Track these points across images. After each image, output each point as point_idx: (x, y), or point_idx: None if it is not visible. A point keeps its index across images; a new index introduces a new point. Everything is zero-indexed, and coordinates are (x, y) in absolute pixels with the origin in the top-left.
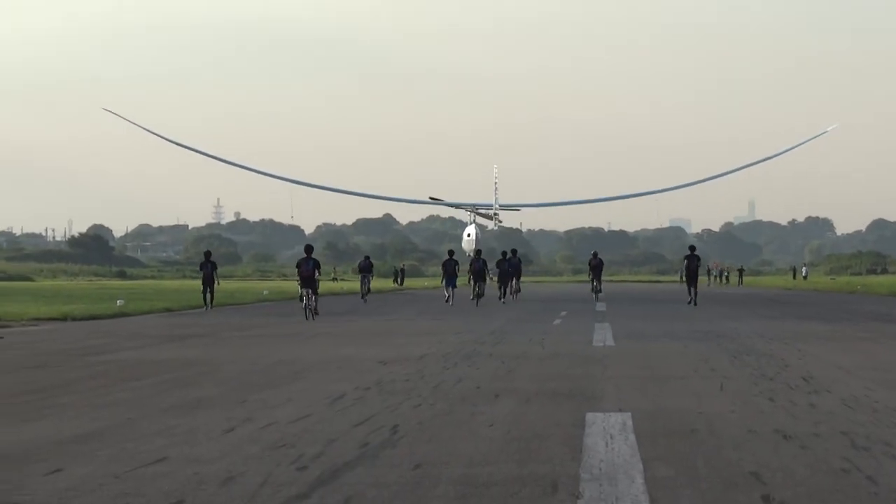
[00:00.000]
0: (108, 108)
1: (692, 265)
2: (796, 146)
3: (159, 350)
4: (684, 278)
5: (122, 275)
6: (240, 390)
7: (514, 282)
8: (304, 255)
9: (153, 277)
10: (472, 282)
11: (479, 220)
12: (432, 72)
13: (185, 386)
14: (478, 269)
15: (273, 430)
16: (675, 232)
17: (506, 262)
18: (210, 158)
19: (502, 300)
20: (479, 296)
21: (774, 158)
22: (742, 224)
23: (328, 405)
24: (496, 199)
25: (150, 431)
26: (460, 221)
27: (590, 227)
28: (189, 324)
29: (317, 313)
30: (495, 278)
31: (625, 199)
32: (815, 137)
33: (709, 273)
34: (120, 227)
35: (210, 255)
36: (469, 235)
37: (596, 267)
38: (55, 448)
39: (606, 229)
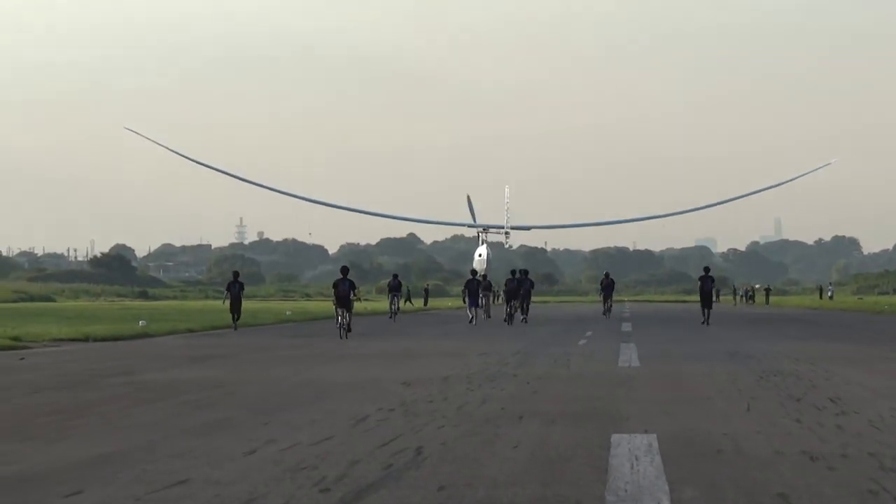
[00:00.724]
0: (130, 126)
1: (706, 286)
2: (802, 175)
3: (181, 371)
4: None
5: (144, 295)
6: (262, 412)
7: (523, 305)
8: (341, 276)
9: (176, 298)
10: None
11: (495, 237)
12: (462, 88)
13: (207, 407)
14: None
15: (295, 452)
16: (701, 251)
17: (513, 282)
18: (233, 178)
19: (506, 321)
20: (487, 315)
21: (799, 179)
22: (768, 243)
23: (351, 427)
24: (507, 219)
25: (171, 453)
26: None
27: (615, 247)
28: (212, 345)
29: (349, 330)
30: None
31: (641, 221)
32: (818, 169)
33: (734, 292)
34: (142, 246)
35: (238, 276)
36: (480, 255)
37: (608, 287)
38: (76, 470)
39: (632, 248)
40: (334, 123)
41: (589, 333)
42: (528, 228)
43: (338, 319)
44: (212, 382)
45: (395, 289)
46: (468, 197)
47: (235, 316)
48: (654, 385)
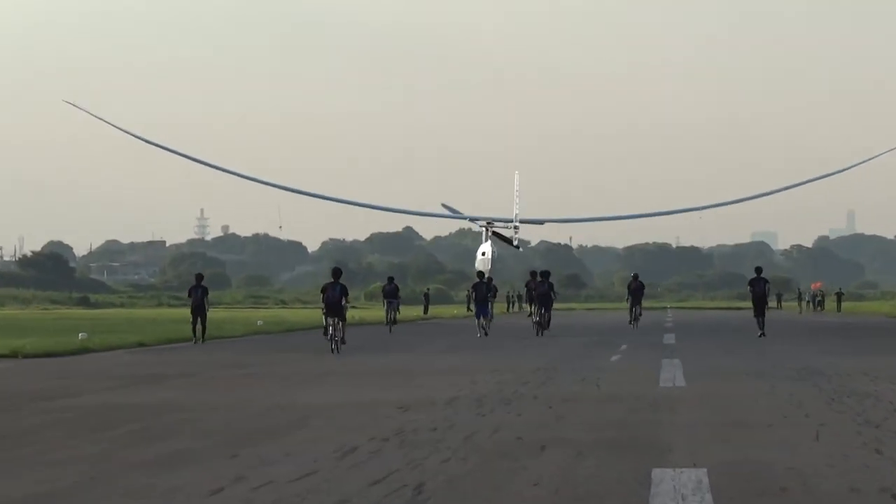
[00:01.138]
0: (69, 99)
1: (758, 290)
2: (876, 156)
3: (131, 393)
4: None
5: (84, 302)
6: (229, 442)
7: (542, 312)
8: (331, 280)
9: (123, 305)
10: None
11: (521, 233)
12: (459, 60)
13: (163, 437)
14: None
15: (270, 491)
16: (759, 248)
17: (543, 285)
18: (192, 162)
19: (537, 333)
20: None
21: (874, 160)
22: (839, 238)
23: (337, 460)
24: (516, 212)
25: (119, 492)
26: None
27: (654, 243)
28: (167, 361)
29: (343, 342)
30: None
31: (683, 213)
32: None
33: (800, 297)
34: (82, 244)
35: (202, 279)
36: (484, 254)
37: (636, 291)
38: None
39: (675, 245)
40: (312, 100)
41: (623, 347)
42: (540, 222)
43: (328, 330)
44: (168, 407)
45: (391, 294)
46: (444, 205)
47: (199, 327)
48: (703, 408)
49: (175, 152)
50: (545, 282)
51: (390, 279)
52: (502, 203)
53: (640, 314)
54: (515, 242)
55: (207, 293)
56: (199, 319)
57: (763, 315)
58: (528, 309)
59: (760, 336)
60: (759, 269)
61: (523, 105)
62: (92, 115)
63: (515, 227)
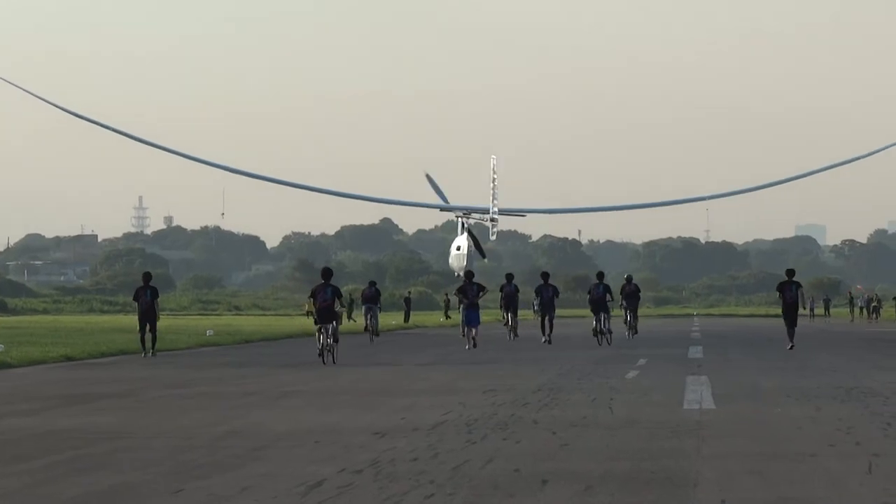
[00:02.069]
0: None
1: (788, 296)
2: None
3: (57, 417)
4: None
5: (1, 308)
6: (174, 475)
7: (545, 321)
8: (321, 281)
9: (47, 311)
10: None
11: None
12: (449, 16)
13: (96, 469)
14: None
15: None
16: (804, 244)
17: (547, 291)
18: (129, 140)
19: (546, 341)
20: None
21: None
22: None
23: (300, 496)
24: (493, 200)
25: None
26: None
27: (679, 237)
28: (100, 378)
29: (336, 341)
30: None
31: (707, 200)
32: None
33: (851, 303)
34: None
35: (150, 279)
36: (459, 249)
37: (630, 296)
38: None
39: (703, 240)
40: (272, 72)
41: (642, 361)
42: (521, 213)
43: (320, 339)
44: (101, 433)
45: (371, 299)
46: (428, 176)
47: (149, 336)
48: (735, 436)
49: (109, 128)
50: (549, 286)
51: (371, 283)
52: (493, 196)
53: (636, 324)
54: (493, 235)
55: (158, 295)
56: (147, 327)
57: (794, 325)
58: (532, 315)
59: (791, 348)
60: (790, 272)
61: (520, 80)
62: (8, 82)
63: (493, 220)
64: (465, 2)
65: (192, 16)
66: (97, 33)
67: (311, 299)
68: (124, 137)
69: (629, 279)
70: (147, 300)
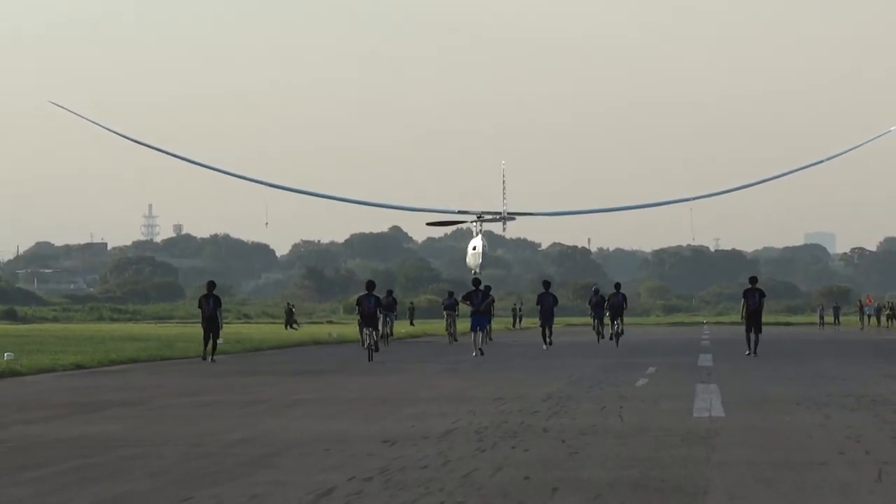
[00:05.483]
0: None
1: (752, 302)
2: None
3: (67, 425)
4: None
5: (10, 316)
6: (183, 483)
7: (545, 330)
8: (366, 292)
9: (57, 319)
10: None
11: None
12: (456, 32)
13: (104, 477)
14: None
15: None
16: (813, 252)
17: (547, 298)
18: (140, 146)
19: (546, 345)
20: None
21: None
22: None
23: None
24: (504, 203)
25: None
26: (499, 238)
27: (688, 245)
28: (109, 386)
29: (377, 351)
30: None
31: (709, 197)
32: (878, 137)
33: (861, 312)
34: (8, 247)
35: (214, 287)
36: (475, 249)
37: (616, 307)
38: None
39: (713, 248)
40: (283, 77)
41: (651, 369)
42: (531, 214)
43: (365, 341)
44: (111, 441)
45: (389, 308)
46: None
47: (211, 342)
48: (745, 444)
49: (118, 133)
50: (549, 294)
51: (389, 292)
52: (504, 197)
53: (622, 331)
54: (504, 229)
55: (220, 304)
56: (212, 333)
57: (759, 331)
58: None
59: (748, 354)
60: (753, 279)
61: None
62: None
63: (506, 220)
64: (470, 5)
65: (199, 21)
66: (106, 40)
67: (358, 307)
68: (135, 145)
69: (617, 288)
70: (210, 308)
